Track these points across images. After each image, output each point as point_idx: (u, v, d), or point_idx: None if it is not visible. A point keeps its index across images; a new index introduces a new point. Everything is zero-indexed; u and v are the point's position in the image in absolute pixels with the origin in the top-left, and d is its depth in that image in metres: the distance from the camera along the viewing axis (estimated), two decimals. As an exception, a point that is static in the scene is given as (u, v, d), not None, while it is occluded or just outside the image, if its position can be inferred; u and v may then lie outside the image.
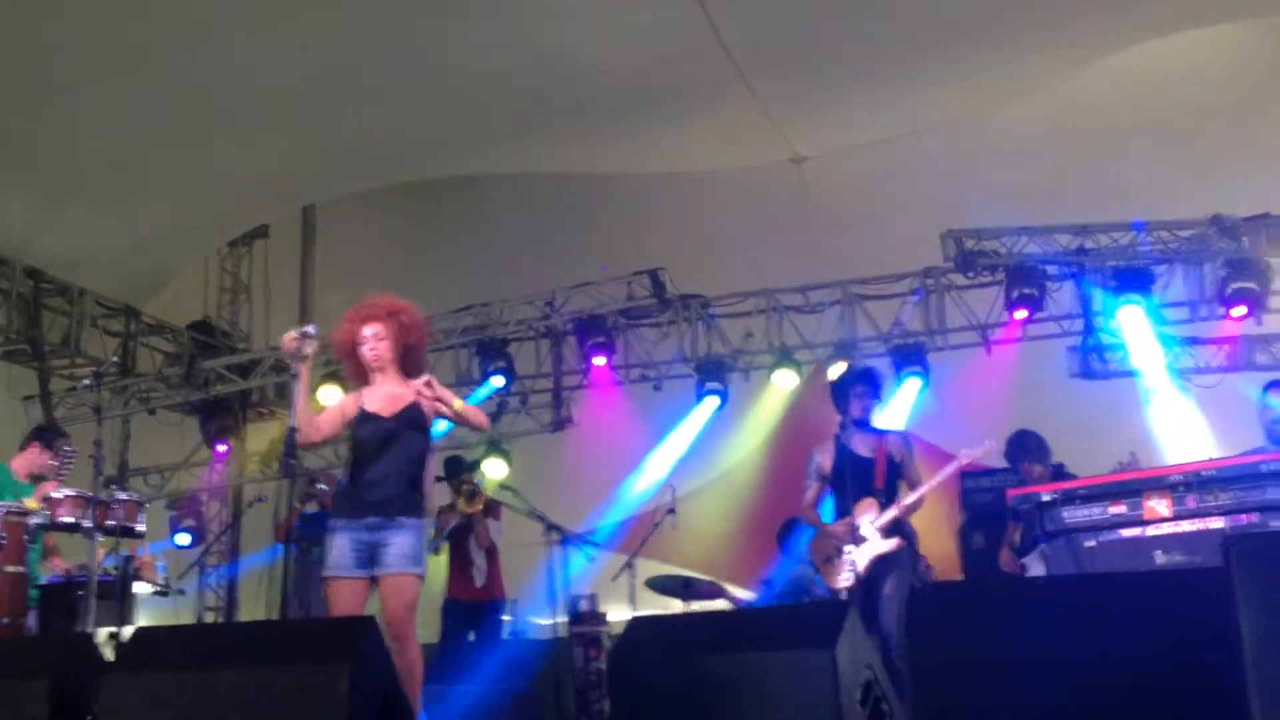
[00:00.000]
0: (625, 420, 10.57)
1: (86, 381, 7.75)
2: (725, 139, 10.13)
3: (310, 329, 5.02)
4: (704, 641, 4.63)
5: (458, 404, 5.05)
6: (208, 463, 11.17)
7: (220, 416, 10.80)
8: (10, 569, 6.35)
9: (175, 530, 10.94)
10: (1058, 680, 3.69)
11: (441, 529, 8.06)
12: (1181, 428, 8.71)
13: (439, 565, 8.04)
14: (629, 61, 8.64)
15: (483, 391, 10.16)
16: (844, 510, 6.35)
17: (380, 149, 9.87)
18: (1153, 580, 4.31)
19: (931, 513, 8.18)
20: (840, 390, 6.57)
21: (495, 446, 10.57)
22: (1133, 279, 8.59)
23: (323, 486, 8.26)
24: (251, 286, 11.96)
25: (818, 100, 9.55)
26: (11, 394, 10.11)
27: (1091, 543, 5.14)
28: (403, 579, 4.82)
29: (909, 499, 6.25)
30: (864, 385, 6.49)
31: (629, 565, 8.00)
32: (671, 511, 8.17)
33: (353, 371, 5.17)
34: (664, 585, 8.39)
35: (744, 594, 8.80)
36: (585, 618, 8.98)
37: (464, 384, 10.38)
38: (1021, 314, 8.91)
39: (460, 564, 8.20)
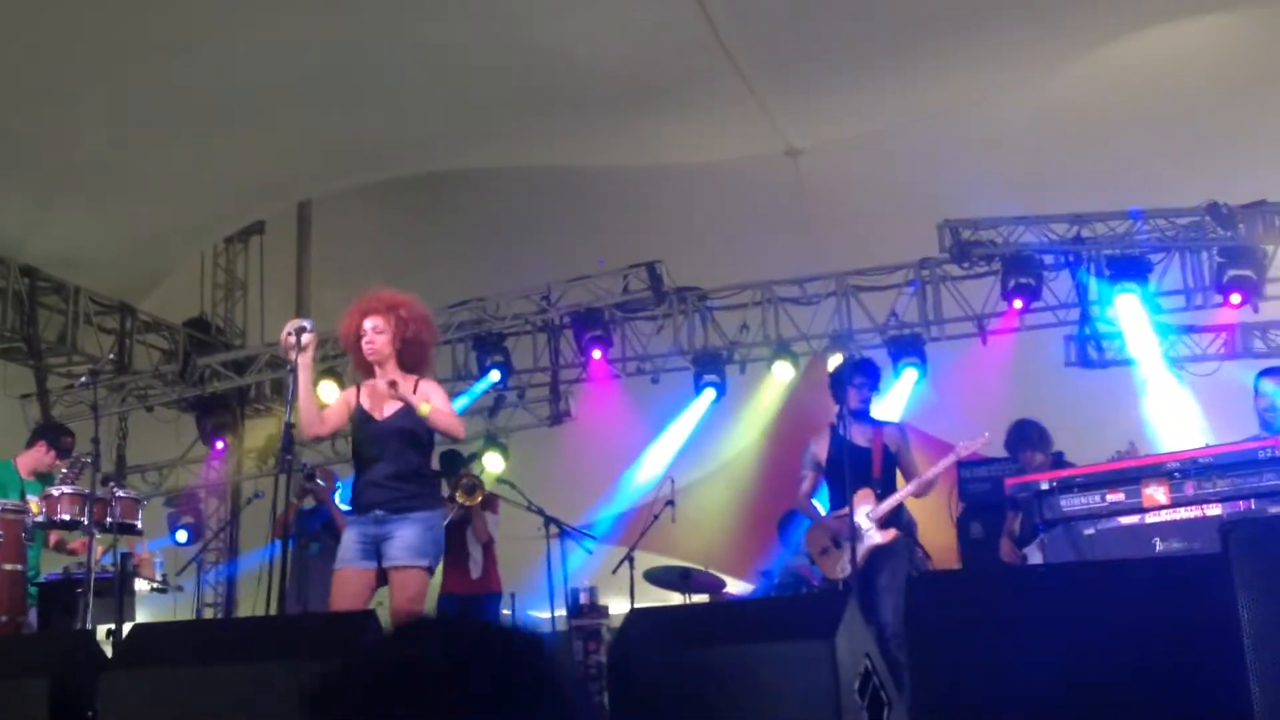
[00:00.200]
0: (623, 413, 10.57)
1: (83, 379, 7.74)
2: (721, 132, 10.13)
3: (305, 323, 5.03)
4: (703, 633, 4.63)
5: (424, 409, 4.94)
6: (205, 459, 11.17)
7: (217, 413, 10.80)
8: (8, 567, 6.34)
9: (174, 527, 10.93)
10: (1057, 669, 3.69)
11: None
12: (1176, 416, 8.71)
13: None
14: (625, 55, 8.63)
15: (480, 386, 10.16)
16: (840, 501, 6.35)
17: (376, 144, 9.86)
18: (1151, 567, 4.31)
19: (929, 503, 8.18)
20: (838, 381, 6.56)
21: (493, 440, 10.59)
22: (1129, 267, 8.59)
23: (320, 482, 8.26)
24: (247, 283, 11.94)
25: (813, 92, 9.54)
26: (8, 392, 10.09)
27: (1090, 531, 5.14)
28: (408, 572, 4.84)
29: (904, 491, 6.26)
30: (862, 376, 6.49)
31: (628, 558, 8.00)
32: (670, 504, 8.18)
33: (359, 364, 5.18)
34: (663, 578, 8.39)
35: (743, 585, 8.80)
36: (584, 610, 9.00)
37: (461, 378, 10.39)
38: (1018, 304, 8.91)
39: (457, 557, 8.19)
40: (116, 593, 6.50)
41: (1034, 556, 6.58)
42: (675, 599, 8.38)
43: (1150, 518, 5.01)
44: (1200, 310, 9.04)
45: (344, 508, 7.49)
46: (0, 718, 4.73)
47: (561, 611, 8.26)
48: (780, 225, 10.78)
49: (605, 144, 10.31)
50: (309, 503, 8.10)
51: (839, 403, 6.47)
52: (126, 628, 6.11)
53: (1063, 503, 5.25)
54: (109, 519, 6.58)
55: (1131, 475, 5.10)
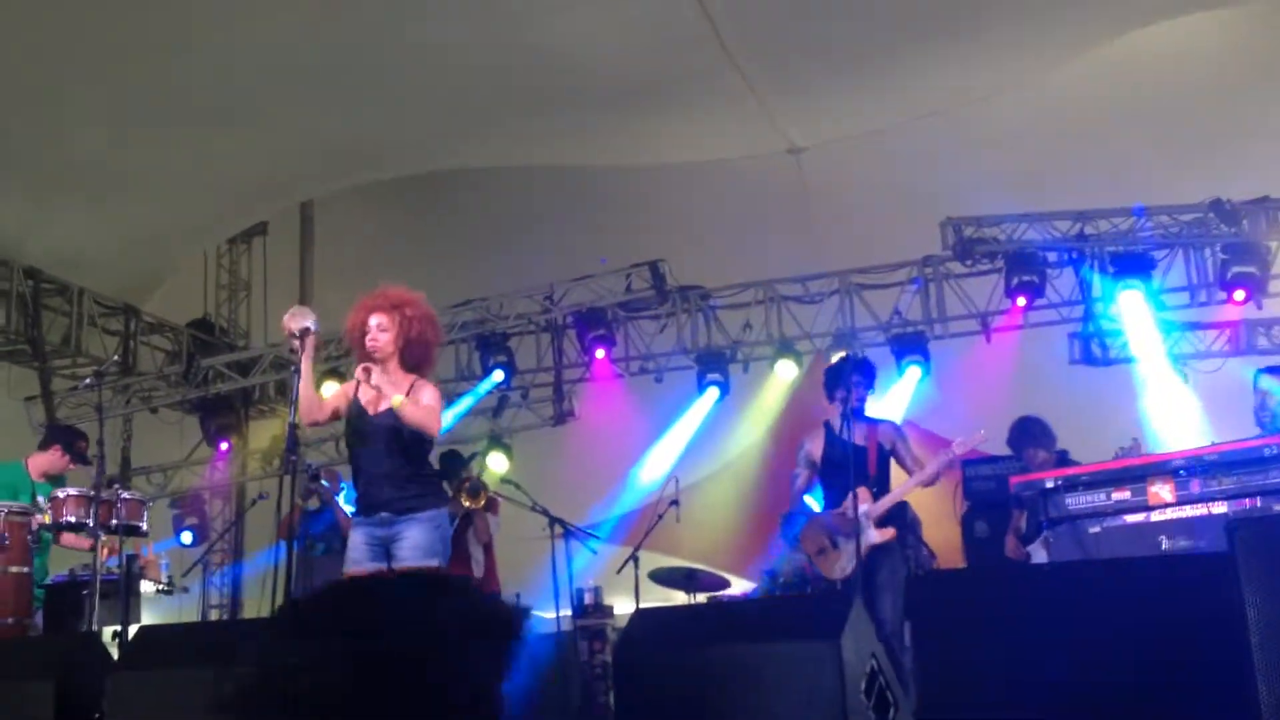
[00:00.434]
0: (626, 413, 10.57)
1: (88, 381, 7.75)
2: (722, 131, 10.13)
3: (309, 324, 5.01)
4: (708, 633, 4.63)
5: (396, 400, 4.89)
6: (209, 461, 11.18)
7: (221, 414, 10.81)
8: (14, 569, 6.35)
9: (178, 529, 10.95)
10: (1063, 668, 3.69)
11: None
12: (1177, 414, 8.69)
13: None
14: (626, 54, 8.63)
15: (484, 386, 10.17)
16: (836, 499, 6.35)
17: (378, 144, 9.86)
18: (1157, 566, 4.31)
19: (934, 501, 8.20)
20: (835, 379, 6.57)
21: (497, 440, 10.59)
22: (1133, 264, 8.58)
23: (325, 483, 8.27)
24: (251, 283, 11.95)
25: (814, 90, 9.54)
26: (13, 395, 10.10)
27: (1095, 529, 5.14)
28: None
29: (900, 490, 6.26)
30: (859, 375, 6.49)
31: (633, 558, 7.99)
32: (675, 503, 8.17)
33: (362, 359, 5.18)
34: (668, 578, 8.40)
35: (747, 585, 8.80)
36: (589, 611, 9.00)
37: (465, 379, 10.40)
38: (1021, 301, 8.90)
39: (459, 558, 8.18)
40: (123, 595, 6.50)
41: (1038, 555, 6.57)
42: (680, 598, 8.38)
43: (1155, 516, 5.02)
44: (1204, 307, 9.02)
45: (348, 509, 7.49)
46: (7, 718, 4.74)
47: (566, 612, 8.26)
48: (783, 224, 10.78)
49: (607, 143, 10.31)
50: (314, 504, 8.11)
51: (833, 401, 6.49)
52: (132, 629, 6.12)
53: (1068, 501, 5.25)
54: (114, 520, 6.59)
55: (1137, 473, 5.10)
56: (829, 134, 10.17)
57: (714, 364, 9.83)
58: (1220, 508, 4.85)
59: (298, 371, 4.98)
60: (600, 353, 9.92)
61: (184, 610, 9.58)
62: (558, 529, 7.74)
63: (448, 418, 9.98)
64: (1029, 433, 7.19)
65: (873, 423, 6.46)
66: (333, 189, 11.10)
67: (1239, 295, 8.41)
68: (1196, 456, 4.99)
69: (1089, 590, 3.84)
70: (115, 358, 10.29)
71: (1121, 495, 5.12)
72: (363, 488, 5.01)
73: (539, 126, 9.81)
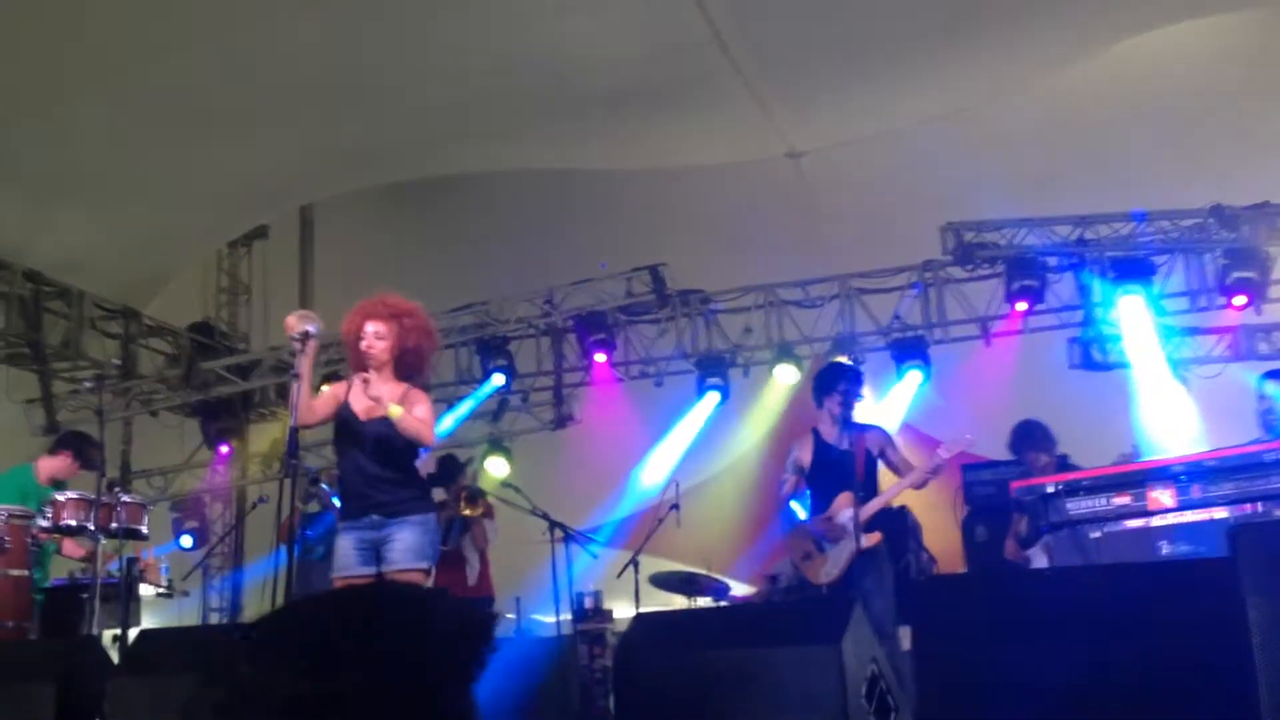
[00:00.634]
0: (627, 417, 10.57)
1: (88, 384, 7.75)
2: (723, 134, 10.13)
3: (310, 329, 5.01)
4: (709, 638, 4.63)
5: (394, 411, 4.90)
6: (209, 464, 11.18)
7: (221, 418, 10.81)
8: (14, 573, 6.36)
9: (179, 532, 10.94)
10: (1064, 673, 3.69)
11: (443, 530, 8.05)
12: (1173, 420, 8.68)
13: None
14: (626, 57, 8.64)
15: (483, 390, 10.17)
16: (823, 505, 6.37)
17: (378, 148, 9.86)
18: (1158, 570, 4.30)
19: (934, 506, 8.21)
20: (823, 386, 6.60)
21: (497, 444, 10.59)
22: (1133, 269, 8.58)
23: (325, 486, 8.27)
24: (251, 287, 11.95)
25: (815, 94, 9.54)
26: (12, 398, 10.09)
27: (1096, 534, 5.14)
28: (408, 575, 4.84)
29: (885, 496, 6.28)
30: (847, 383, 6.50)
31: (633, 562, 7.99)
32: (675, 508, 8.17)
33: (355, 363, 5.19)
34: (668, 582, 8.39)
35: (747, 589, 8.80)
36: (589, 615, 9.00)
37: (464, 383, 10.39)
38: (1022, 306, 8.90)
39: (454, 564, 8.18)
40: (123, 598, 6.50)
41: (1039, 559, 6.57)
42: (680, 603, 8.38)
43: (1156, 521, 5.01)
44: (1204, 312, 9.02)
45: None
46: (8, 723, 4.74)
47: (567, 616, 8.26)
48: (783, 228, 10.79)
49: (608, 147, 10.31)
50: (314, 507, 8.11)
51: (821, 407, 6.53)
52: (133, 633, 6.12)
53: (1068, 505, 5.24)
54: (114, 524, 6.59)
55: (1138, 478, 5.09)
56: (829, 138, 10.18)
57: (714, 368, 9.83)
58: (1221, 513, 4.84)
59: (298, 375, 4.98)
60: (600, 357, 9.92)
61: (184, 614, 9.59)
62: (558, 533, 7.74)
63: (448, 422, 9.99)
64: (1031, 436, 7.19)
65: (860, 429, 6.47)
66: (335, 193, 11.11)
67: (1239, 300, 8.42)
68: (1197, 461, 4.98)
69: (1091, 595, 3.83)
70: (115, 361, 10.29)
71: (1122, 500, 5.11)
72: (353, 491, 5.00)
73: (540, 131, 9.81)
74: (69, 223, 9.61)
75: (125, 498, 6.87)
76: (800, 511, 6.67)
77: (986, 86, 9.61)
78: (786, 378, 9.72)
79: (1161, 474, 5.07)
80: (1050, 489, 5.33)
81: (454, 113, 9.35)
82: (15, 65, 7.74)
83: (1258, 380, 6.04)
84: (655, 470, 10.14)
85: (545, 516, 7.69)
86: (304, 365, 4.92)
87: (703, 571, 8.76)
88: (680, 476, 8.88)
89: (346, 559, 4.88)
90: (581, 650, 8.42)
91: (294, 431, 4.99)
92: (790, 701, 4.11)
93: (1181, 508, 4.94)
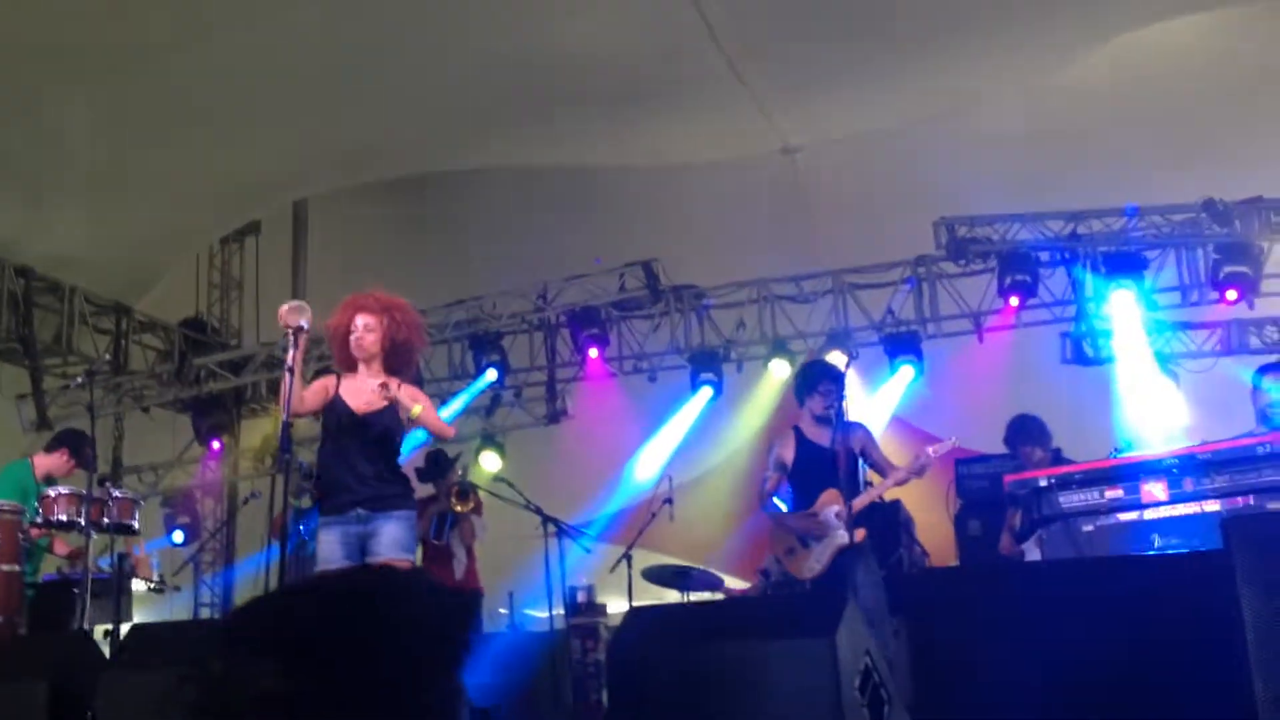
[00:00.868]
0: (620, 412, 10.57)
1: (79, 379, 7.73)
2: (717, 130, 10.13)
3: (303, 324, 5.00)
4: (703, 631, 4.63)
5: (416, 410, 4.99)
6: (201, 460, 11.15)
7: (213, 413, 10.78)
8: (5, 568, 6.33)
9: (170, 528, 10.91)
10: (1059, 666, 3.70)
11: (433, 522, 8.04)
12: (1157, 415, 8.69)
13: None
14: (621, 54, 8.63)
15: (477, 385, 10.15)
16: (806, 502, 6.40)
17: (372, 144, 9.84)
18: (1152, 563, 4.32)
19: (927, 500, 8.21)
20: (805, 385, 6.62)
21: (490, 439, 10.58)
22: (1125, 264, 8.59)
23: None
24: (243, 283, 11.92)
25: (809, 90, 9.54)
26: (4, 393, 10.07)
27: (1089, 527, 5.16)
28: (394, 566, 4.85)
29: (872, 492, 6.31)
30: (828, 382, 6.52)
31: (626, 557, 7.99)
32: (668, 502, 8.17)
33: (342, 359, 5.19)
34: (661, 576, 8.39)
35: (740, 583, 8.80)
36: (582, 609, 8.99)
37: (457, 378, 10.38)
38: (1015, 301, 8.91)
39: (440, 557, 8.17)
40: (115, 594, 6.49)
41: (1032, 553, 6.59)
42: (672, 597, 8.38)
43: (1149, 514, 5.03)
44: (1196, 307, 9.03)
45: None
46: (2, 718, 4.72)
47: (559, 610, 8.25)
48: (776, 223, 10.79)
49: (602, 143, 10.30)
50: (306, 502, 8.09)
51: (802, 406, 6.58)
52: (125, 628, 6.10)
53: (1061, 499, 5.26)
54: (106, 519, 6.57)
55: (1130, 471, 5.11)
56: (823, 134, 10.18)
57: (707, 363, 9.82)
58: (1213, 506, 4.87)
59: (290, 370, 4.98)
60: (594, 352, 9.92)
61: (175, 610, 9.56)
62: (551, 528, 7.74)
63: (444, 414, 9.97)
64: (1026, 430, 7.22)
65: (843, 426, 6.48)
66: (328, 189, 11.08)
67: (1231, 295, 8.43)
68: (1190, 455, 5.00)
69: (1085, 588, 3.85)
70: (107, 356, 10.26)
71: (1115, 494, 5.14)
72: (338, 485, 5.01)
73: (534, 127, 9.80)
74: (61, 218, 9.58)
75: (117, 493, 6.86)
76: (783, 509, 6.69)
77: (980, 83, 9.61)
78: (780, 373, 9.72)
79: (1154, 468, 5.08)
80: (1043, 482, 5.35)
81: (448, 109, 9.34)
82: (8, 63, 7.71)
83: (1254, 375, 6.05)
84: (648, 465, 10.13)
85: (538, 511, 7.69)
86: (296, 358, 4.92)
87: (696, 566, 8.75)
88: (673, 471, 8.89)
89: (331, 552, 4.90)
90: (574, 644, 8.43)
91: (286, 426, 4.98)
92: (784, 695, 4.10)
93: (1174, 501, 4.95)
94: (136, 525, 6.95)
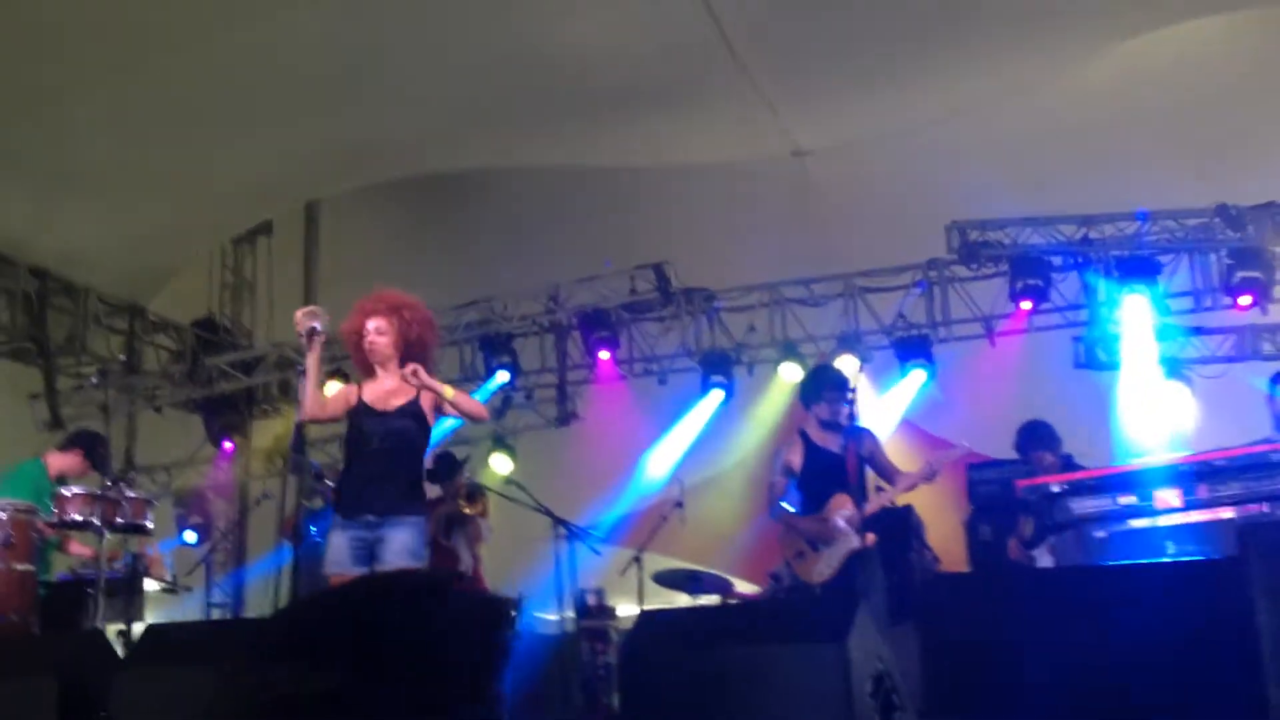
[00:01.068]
0: (630, 414, 10.57)
1: (93, 380, 7.76)
2: (728, 132, 10.12)
3: (317, 325, 5.05)
4: (715, 635, 4.63)
5: (449, 392, 5.01)
6: (213, 460, 11.18)
7: (225, 414, 10.82)
8: (19, 567, 6.36)
9: (182, 528, 10.93)
10: (1070, 671, 3.69)
11: (441, 524, 8.04)
12: (1163, 422, 8.67)
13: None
14: (632, 55, 8.63)
15: (488, 387, 10.17)
16: (815, 507, 6.40)
17: (383, 144, 9.86)
18: (1167, 569, 4.30)
19: (938, 505, 8.20)
20: (813, 390, 6.64)
21: (500, 441, 10.59)
22: (1138, 269, 8.57)
23: (329, 483, 8.26)
24: (255, 283, 11.94)
25: (821, 93, 9.53)
26: (17, 393, 10.11)
27: (1101, 534, 5.14)
28: None
29: (884, 496, 6.32)
30: (833, 389, 6.54)
31: (636, 560, 7.99)
32: (679, 505, 8.17)
33: (360, 364, 5.20)
34: (672, 580, 8.39)
35: (751, 587, 8.80)
36: (592, 612, 8.99)
37: (468, 379, 10.39)
38: (1026, 305, 8.89)
39: (446, 559, 8.18)
40: (128, 593, 6.51)
41: (1044, 559, 6.57)
42: (683, 601, 8.37)
43: (1162, 521, 5.01)
44: (1209, 312, 9.01)
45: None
46: (12, 717, 4.74)
47: (569, 613, 8.25)
48: (787, 226, 10.77)
49: (613, 144, 10.30)
50: (317, 504, 8.11)
51: (808, 411, 6.59)
52: (138, 628, 6.12)
53: (1074, 505, 5.24)
54: (119, 519, 6.59)
55: (1144, 478, 5.09)
56: (835, 137, 10.16)
57: (718, 366, 9.82)
58: (1228, 513, 4.85)
59: (303, 372, 5.00)
60: (604, 354, 9.92)
61: (186, 610, 9.58)
62: (561, 530, 7.73)
63: (448, 421, 9.99)
64: (1038, 436, 7.20)
65: (850, 432, 6.49)
66: (340, 189, 11.10)
67: (1244, 300, 8.40)
68: (1205, 461, 4.98)
69: (1097, 594, 3.84)
70: (120, 356, 10.29)
71: (1128, 500, 5.12)
72: (352, 489, 5.02)
73: (545, 128, 9.81)
74: (74, 218, 9.62)
75: (130, 493, 6.88)
76: (790, 512, 6.70)
77: (991, 87, 9.59)
78: (790, 376, 9.71)
79: (1168, 474, 5.07)
80: (1056, 488, 5.33)
81: (459, 109, 9.35)
82: (19, 61, 7.74)
83: (1269, 382, 6.03)
84: (658, 465, 10.14)
85: (549, 513, 7.69)
86: (312, 361, 4.94)
87: (706, 570, 8.75)
88: (684, 474, 8.89)
89: (340, 556, 4.88)
90: (584, 647, 8.42)
91: (299, 427, 5.03)
92: (796, 699, 4.11)
93: (1188, 508, 4.94)
94: (150, 525, 6.97)
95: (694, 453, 10.22)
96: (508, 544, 8.54)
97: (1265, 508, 4.75)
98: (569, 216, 11.08)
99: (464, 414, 5.18)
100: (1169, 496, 5.00)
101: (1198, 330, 9.31)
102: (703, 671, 4.31)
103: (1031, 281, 8.80)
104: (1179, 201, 8.67)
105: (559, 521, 7.71)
